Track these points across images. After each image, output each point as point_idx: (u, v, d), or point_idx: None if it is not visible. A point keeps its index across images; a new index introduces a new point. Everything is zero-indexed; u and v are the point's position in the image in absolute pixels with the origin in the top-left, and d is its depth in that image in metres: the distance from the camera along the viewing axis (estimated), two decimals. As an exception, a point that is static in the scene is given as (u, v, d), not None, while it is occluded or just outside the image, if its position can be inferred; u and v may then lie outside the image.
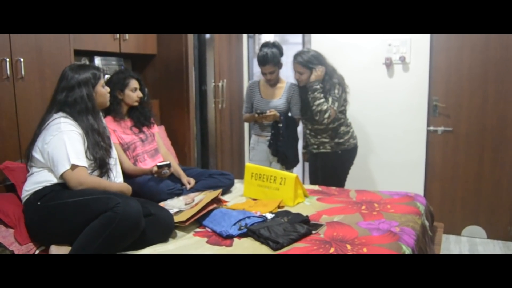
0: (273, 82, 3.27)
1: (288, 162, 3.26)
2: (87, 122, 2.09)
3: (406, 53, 3.75)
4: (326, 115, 3.04)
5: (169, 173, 2.61)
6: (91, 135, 2.08)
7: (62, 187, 1.99)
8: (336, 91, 3.09)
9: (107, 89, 2.27)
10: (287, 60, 3.32)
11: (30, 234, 1.95)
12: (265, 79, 3.28)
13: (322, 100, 3.05)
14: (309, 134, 3.29)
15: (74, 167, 1.96)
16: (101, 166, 2.12)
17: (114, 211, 1.82)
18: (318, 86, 3.06)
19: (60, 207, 1.90)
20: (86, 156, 2.05)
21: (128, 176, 2.64)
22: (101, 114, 2.32)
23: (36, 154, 2.02)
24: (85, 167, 2.02)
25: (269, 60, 3.12)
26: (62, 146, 1.96)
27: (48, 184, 1.99)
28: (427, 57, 3.70)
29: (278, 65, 3.20)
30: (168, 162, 2.58)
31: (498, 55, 3.50)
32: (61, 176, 1.97)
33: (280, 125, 3.19)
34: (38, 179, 2.00)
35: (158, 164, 2.56)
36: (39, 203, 1.94)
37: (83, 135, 2.06)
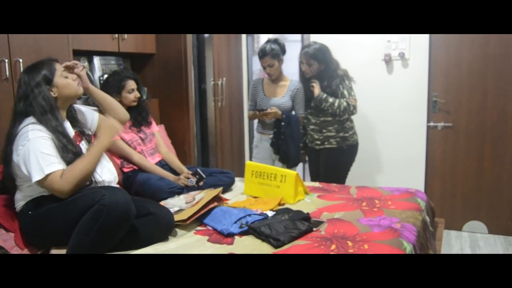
0: (274, 77, 3.27)
1: (289, 161, 3.25)
2: (51, 124, 1.94)
3: (405, 49, 3.75)
4: (351, 108, 3.13)
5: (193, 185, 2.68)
6: (57, 139, 1.94)
7: (51, 195, 1.93)
8: (347, 82, 3.18)
9: (73, 76, 2.09)
10: (288, 58, 3.33)
11: (27, 241, 1.94)
12: (265, 73, 3.28)
13: (337, 100, 3.12)
14: (312, 130, 3.28)
15: (48, 175, 1.85)
16: None
17: (101, 204, 1.78)
18: (324, 95, 3.13)
19: (50, 211, 1.88)
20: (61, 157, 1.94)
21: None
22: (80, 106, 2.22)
23: (16, 170, 1.92)
24: (59, 170, 1.87)
25: (267, 52, 3.14)
26: (33, 155, 1.85)
27: (36, 196, 1.95)
28: (426, 53, 3.71)
29: (277, 58, 3.19)
30: (204, 176, 2.68)
31: (498, 50, 3.50)
32: (40, 186, 1.88)
33: (283, 123, 3.19)
34: (27, 193, 1.96)
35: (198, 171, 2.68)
36: (30, 212, 1.92)
37: (53, 138, 1.93)
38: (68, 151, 1.95)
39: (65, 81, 2.05)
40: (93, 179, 2.02)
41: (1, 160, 1.99)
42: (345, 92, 3.14)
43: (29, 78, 1.97)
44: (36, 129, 1.91)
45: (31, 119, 1.93)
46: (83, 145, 2.12)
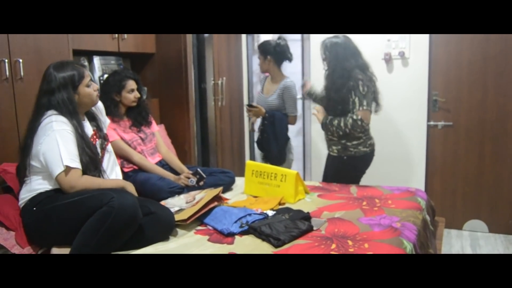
0: (262, 72, 3.44)
1: (271, 160, 3.24)
2: (73, 124, 1.99)
3: (405, 48, 3.75)
4: (359, 122, 2.77)
5: (193, 185, 2.67)
6: (78, 139, 1.99)
7: (56, 191, 1.96)
8: (360, 88, 2.78)
9: (94, 86, 2.13)
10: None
11: (30, 238, 1.94)
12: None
13: (342, 119, 2.82)
14: (321, 128, 3.05)
15: (67, 169, 1.89)
16: (89, 171, 2.03)
17: (109, 206, 1.80)
18: (328, 119, 2.89)
19: (56, 209, 1.89)
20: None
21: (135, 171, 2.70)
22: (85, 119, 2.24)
23: (33, 161, 1.95)
24: (78, 168, 1.94)
25: (258, 46, 3.34)
26: (55, 146, 1.89)
27: (42, 190, 1.96)
28: (426, 52, 3.70)
29: (263, 55, 3.30)
30: (204, 176, 2.67)
31: (498, 49, 3.50)
32: (56, 178, 1.91)
33: (266, 122, 3.22)
34: (33, 187, 1.97)
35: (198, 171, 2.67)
36: (34, 208, 1.92)
37: (75, 134, 1.98)
38: (86, 154, 2.01)
39: (88, 91, 2.09)
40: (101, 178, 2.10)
41: (19, 151, 2.02)
42: (356, 100, 2.78)
43: (58, 76, 2.00)
44: (59, 120, 1.95)
45: (53, 111, 1.97)
46: (97, 145, 2.16)
